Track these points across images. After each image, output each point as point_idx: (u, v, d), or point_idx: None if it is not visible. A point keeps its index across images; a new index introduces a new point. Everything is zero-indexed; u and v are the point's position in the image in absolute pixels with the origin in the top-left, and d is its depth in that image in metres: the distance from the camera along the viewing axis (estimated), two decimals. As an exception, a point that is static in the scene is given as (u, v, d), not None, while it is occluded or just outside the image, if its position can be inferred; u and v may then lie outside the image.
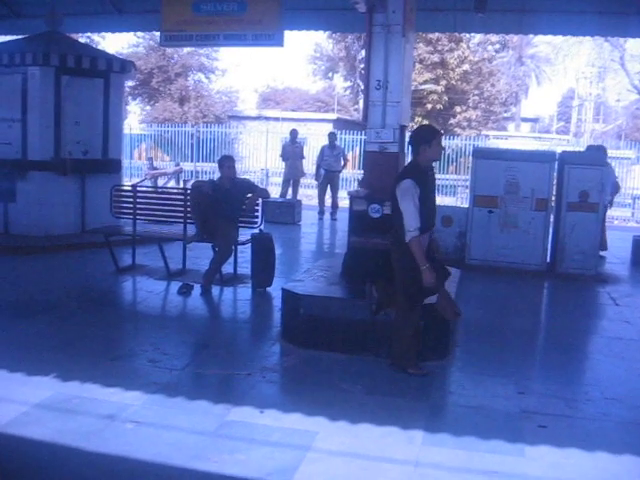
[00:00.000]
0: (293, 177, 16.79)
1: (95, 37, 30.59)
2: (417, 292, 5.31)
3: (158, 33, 11.39)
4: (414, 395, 5.11)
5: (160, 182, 21.44)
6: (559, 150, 11.60)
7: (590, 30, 12.06)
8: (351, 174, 22.84)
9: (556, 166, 10.29)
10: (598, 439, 4.41)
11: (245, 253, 8.71)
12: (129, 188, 9.89)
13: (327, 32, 33.21)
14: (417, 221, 5.14)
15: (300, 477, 3.75)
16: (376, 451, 4.11)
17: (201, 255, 8.92)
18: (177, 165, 23.74)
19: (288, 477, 3.74)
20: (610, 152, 13.60)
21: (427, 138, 5.30)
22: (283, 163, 17.22)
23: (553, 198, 10.40)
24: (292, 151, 16.58)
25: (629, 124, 43.40)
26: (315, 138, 23.71)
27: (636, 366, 6.03)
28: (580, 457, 4.14)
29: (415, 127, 5.91)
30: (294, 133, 16.92)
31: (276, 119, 30.03)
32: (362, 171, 9.47)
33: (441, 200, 20.88)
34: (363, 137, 19.44)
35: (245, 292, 8.14)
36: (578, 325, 7.61)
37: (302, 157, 16.90)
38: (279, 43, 10.21)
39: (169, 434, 4.22)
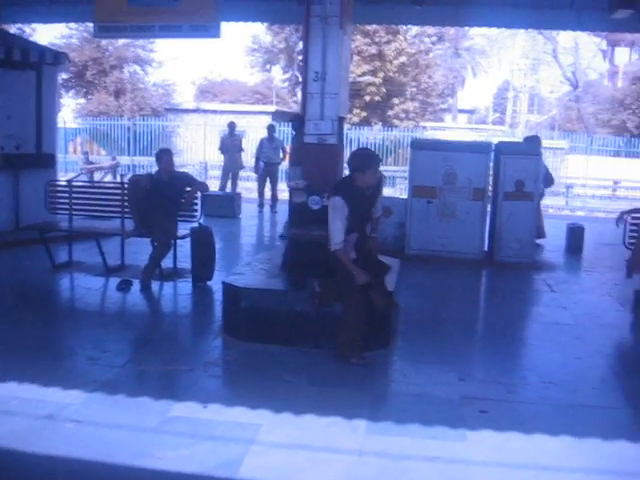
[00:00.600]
0: (232, 170, 16.67)
1: (26, 28, 29.79)
2: (354, 288, 5.40)
3: (92, 24, 11.16)
4: (357, 385, 5.14)
5: (96, 176, 21.05)
6: (495, 141, 11.80)
7: (524, 23, 12.34)
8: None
9: (492, 156, 10.47)
10: (537, 422, 4.52)
11: (184, 247, 8.61)
12: (64, 183, 9.66)
13: (265, 24, 33.02)
14: (341, 236, 5.38)
15: (245, 470, 3.73)
16: (320, 441, 4.12)
17: (140, 250, 8.78)
18: (113, 159, 23.32)
19: (233, 471, 3.72)
20: (544, 142, 13.87)
21: (361, 167, 5.45)
22: (222, 156, 17.09)
23: (490, 188, 10.57)
24: (231, 144, 16.47)
25: (562, 115, 44.39)
26: (254, 130, 23.60)
27: (572, 350, 6.19)
28: (520, 440, 4.23)
29: (354, 151, 5.84)
30: (232, 125, 16.81)
31: (214, 112, 29.78)
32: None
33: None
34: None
35: (185, 286, 8.05)
36: (516, 312, 7.78)
37: (241, 150, 16.80)
38: (216, 34, 10.10)
39: (110, 432, 4.15)
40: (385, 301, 5.68)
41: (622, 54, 43.20)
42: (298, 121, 12.16)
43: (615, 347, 6.69)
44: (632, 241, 7.96)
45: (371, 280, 5.45)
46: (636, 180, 23.50)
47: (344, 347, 5.53)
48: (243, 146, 17.15)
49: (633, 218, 8.14)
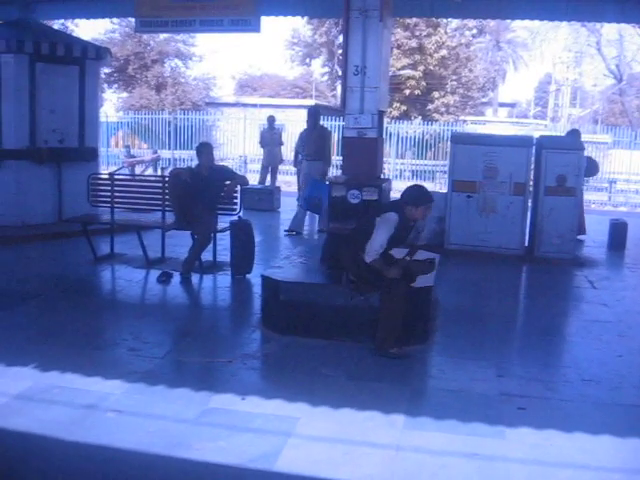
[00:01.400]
0: (272, 164, 16.72)
1: (69, 24, 30.20)
2: (388, 283, 5.48)
3: (133, 19, 11.28)
4: (395, 380, 5.14)
5: (138, 170, 21.27)
6: (536, 135, 11.65)
7: (566, 15, 12.09)
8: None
9: (534, 151, 10.34)
10: (576, 420, 4.47)
11: (224, 240, 8.68)
12: (106, 176, 9.79)
13: (305, 17, 33.02)
14: (382, 248, 5.48)
15: (282, 463, 3.76)
16: (358, 436, 4.13)
17: (180, 243, 8.87)
18: (154, 153, 23.55)
19: (270, 463, 3.75)
20: (587, 137, 13.68)
21: (417, 202, 5.57)
22: (261, 150, 17.14)
23: (531, 182, 10.45)
24: (270, 138, 16.51)
25: (605, 109, 43.70)
26: (293, 124, 23.63)
27: (613, 348, 6.10)
28: (559, 438, 4.19)
29: (412, 185, 5.92)
30: (271, 119, 16.84)
31: (254, 105, 29.91)
32: (341, 157, 9.46)
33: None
34: (342, 123, 19.41)
35: (225, 279, 8.12)
36: (556, 308, 7.68)
37: (280, 143, 16.83)
38: (256, 29, 10.16)
39: (150, 422, 4.21)
40: (427, 266, 5.76)
41: (667, 46, 42.26)
42: (313, 113, 12.12)
43: (658, 345, 6.57)
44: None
45: (403, 272, 5.52)
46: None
47: (383, 339, 5.54)
48: (283, 140, 17.18)
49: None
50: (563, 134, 14.63)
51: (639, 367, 5.69)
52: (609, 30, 35.67)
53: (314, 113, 12.10)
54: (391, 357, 5.49)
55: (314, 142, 11.71)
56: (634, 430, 4.32)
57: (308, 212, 11.62)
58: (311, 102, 31.78)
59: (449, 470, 3.80)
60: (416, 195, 5.63)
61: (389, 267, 5.53)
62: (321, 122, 12.99)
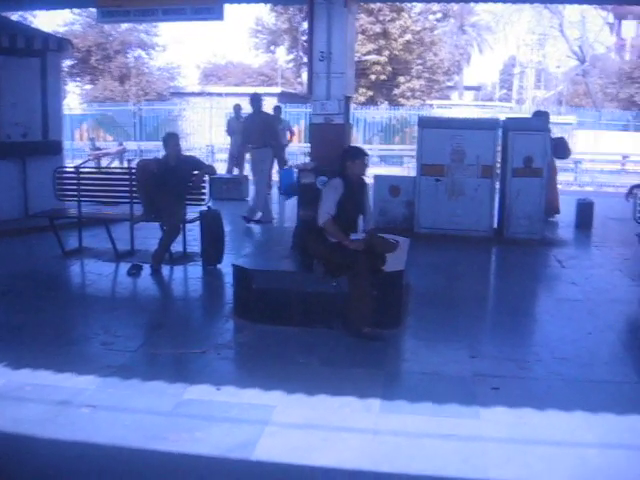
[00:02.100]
0: (239, 152, 16.60)
1: (28, 16, 29.67)
2: (351, 261, 5.58)
3: (95, 10, 11.11)
4: (369, 364, 5.15)
5: (103, 162, 21.07)
6: (502, 117, 11.73)
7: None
8: (297, 148, 22.76)
9: (500, 133, 10.41)
10: (549, 398, 4.53)
11: (194, 231, 8.62)
12: (72, 170, 9.67)
13: (268, 5, 32.81)
14: (332, 209, 5.67)
15: (260, 451, 3.76)
16: (335, 421, 4.14)
17: (149, 235, 8.80)
18: (120, 145, 23.33)
19: (248, 452, 3.74)
20: (552, 118, 13.79)
21: (352, 157, 5.90)
22: (229, 138, 17.04)
23: (498, 165, 10.53)
24: (237, 126, 16.40)
25: (569, 90, 44.08)
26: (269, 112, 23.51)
27: (583, 326, 6.19)
28: (533, 416, 4.24)
29: (345, 147, 6.50)
30: (238, 108, 16.73)
31: (219, 95, 29.70)
32: (308, 144, 9.44)
33: (388, 170, 21.03)
34: (308, 110, 19.36)
35: (196, 270, 8.08)
36: (526, 288, 7.76)
37: None
38: (219, 17, 10.06)
39: (125, 416, 4.18)
40: (390, 245, 5.83)
41: (629, 27, 42.76)
42: (255, 100, 11.93)
43: (626, 322, 6.68)
44: (642, 215, 7.92)
45: (364, 246, 5.64)
46: (645, 154, 23.37)
47: (354, 320, 5.58)
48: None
49: (643, 192, 8.09)
50: (528, 115, 14.74)
51: (608, 344, 5.77)
52: (571, 12, 36.09)
53: (256, 100, 11.82)
54: (364, 337, 5.53)
55: (258, 129, 11.39)
56: (606, 405, 4.39)
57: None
58: (277, 90, 31.68)
59: (426, 452, 3.82)
60: (351, 151, 6.05)
61: (350, 239, 5.65)
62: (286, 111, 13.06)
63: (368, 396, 4.47)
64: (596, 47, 41.74)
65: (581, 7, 32.22)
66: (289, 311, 5.91)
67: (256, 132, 11.33)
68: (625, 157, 23.83)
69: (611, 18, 41.65)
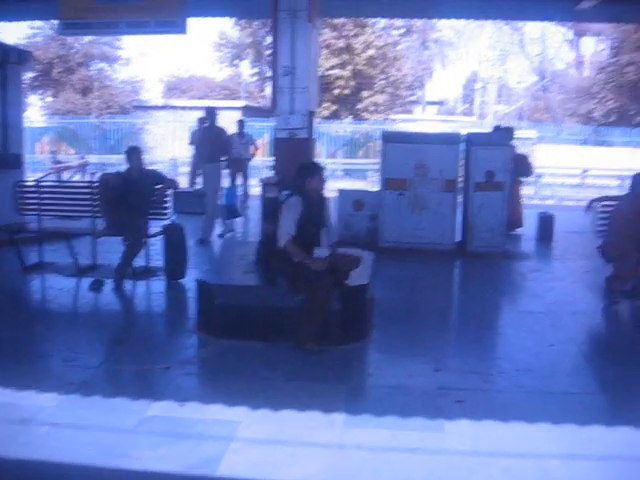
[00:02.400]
0: (202, 165, 16.44)
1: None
2: (315, 278, 5.56)
3: (56, 22, 10.99)
4: (334, 379, 5.15)
5: (65, 176, 20.81)
6: (465, 132, 11.85)
7: (491, 14, 12.38)
8: (261, 161, 22.75)
9: (463, 147, 10.52)
10: (513, 410, 4.57)
11: (157, 245, 8.55)
12: (33, 183, 9.53)
13: (232, 19, 32.85)
14: (292, 230, 5.64)
15: (225, 468, 3.73)
16: (299, 436, 4.13)
17: (111, 249, 8.69)
18: (82, 158, 23.05)
19: (212, 469, 3.71)
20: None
21: (310, 173, 5.84)
22: (192, 152, 16.91)
23: (461, 179, 10.63)
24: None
25: (530, 105, 44.71)
26: (223, 126, 23.45)
27: (545, 338, 6.25)
28: (497, 428, 4.28)
29: (301, 163, 6.25)
30: (202, 120, 16.61)
31: (183, 108, 29.58)
32: (272, 158, 9.44)
33: (352, 184, 21.11)
34: (272, 124, 19.38)
35: (159, 285, 8.00)
36: (489, 301, 7.83)
37: None
38: (182, 30, 10.00)
39: (87, 434, 4.11)
40: (353, 261, 5.83)
41: (588, 44, 43.60)
42: (210, 114, 11.75)
43: (587, 334, 6.77)
44: (602, 228, 8.04)
45: (328, 266, 5.63)
46: (604, 168, 23.78)
47: (302, 334, 5.59)
48: None
49: (602, 206, 8.22)
50: (490, 130, 14.91)
51: (570, 356, 5.84)
52: (532, 28, 36.68)
53: (210, 114, 11.65)
54: (309, 352, 5.54)
55: (211, 144, 11.26)
56: (568, 417, 4.44)
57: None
58: (241, 103, 31.66)
59: (391, 466, 3.83)
60: (308, 168, 5.95)
61: (312, 259, 5.65)
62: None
63: (333, 411, 4.46)
64: (556, 63, 42.52)
65: (541, 24, 32.78)
66: (253, 326, 5.88)
67: (208, 147, 11.19)
68: (584, 171, 24.22)
69: (570, 35, 42.42)
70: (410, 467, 3.82)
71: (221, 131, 11.75)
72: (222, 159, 11.30)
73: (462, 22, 32.42)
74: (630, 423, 4.39)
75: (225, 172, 11.48)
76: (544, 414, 4.47)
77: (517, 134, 13.53)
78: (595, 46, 42.12)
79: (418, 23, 39.20)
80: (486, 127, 24.74)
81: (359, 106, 35.53)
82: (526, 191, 20.44)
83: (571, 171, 23.97)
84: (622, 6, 10.44)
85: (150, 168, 9.46)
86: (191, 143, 16.62)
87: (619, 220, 7.55)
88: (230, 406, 4.50)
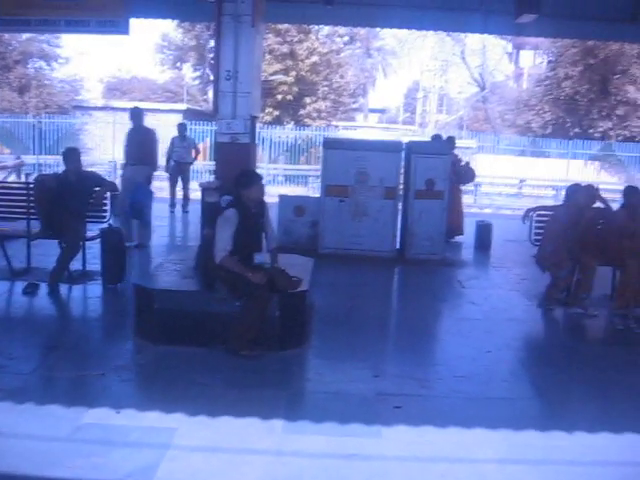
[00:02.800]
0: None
1: None
2: (253, 288, 5.54)
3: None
4: (273, 385, 5.14)
5: (-1, 176, 20.28)
6: (406, 140, 11.98)
7: (433, 25, 12.57)
8: (202, 165, 22.58)
9: (403, 155, 10.63)
10: (450, 415, 4.63)
11: (94, 249, 8.39)
12: (-35, 183, 9.26)
13: (175, 21, 32.56)
14: (228, 245, 5.60)
15: (161, 476, 3.67)
16: (237, 443, 4.10)
17: (47, 252, 8.49)
18: (18, 158, 22.50)
19: (149, 477, 3.65)
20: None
21: (246, 184, 5.78)
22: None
23: (401, 186, 10.73)
24: None
25: (470, 115, 45.53)
26: (164, 129, 23.21)
27: (482, 344, 6.35)
28: (434, 434, 4.32)
29: (239, 171, 6.12)
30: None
31: (123, 109, 29.12)
32: (214, 162, 9.37)
33: (293, 190, 21.12)
34: (214, 128, 19.25)
35: (95, 289, 7.85)
36: (427, 308, 7.92)
37: None
38: (124, 31, 9.87)
39: (19, 443, 4.00)
40: (292, 283, 5.80)
41: (527, 57, 44.74)
42: (136, 115, 11.31)
43: (522, 340, 6.91)
44: (538, 237, 8.23)
45: (268, 278, 5.62)
46: (540, 178, 24.37)
47: (236, 341, 5.57)
48: None
49: (538, 215, 8.41)
50: (429, 139, 15.12)
51: (506, 362, 5.95)
52: (473, 40, 37.33)
53: (137, 115, 11.14)
54: (244, 358, 5.52)
55: (138, 145, 10.73)
56: (503, 422, 4.53)
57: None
58: (183, 106, 31.39)
59: (329, 472, 3.83)
60: (245, 178, 5.85)
61: (251, 272, 5.59)
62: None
63: (271, 417, 4.45)
64: (496, 75, 43.46)
65: (482, 36, 33.40)
66: (191, 332, 5.82)
67: (134, 148, 10.76)
68: (522, 181, 24.82)
69: (510, 48, 43.46)
70: (348, 473, 3.83)
71: (148, 132, 11.24)
72: (149, 162, 10.75)
73: (405, 32, 32.85)
74: (564, 428, 4.50)
75: (157, 175, 10.98)
76: (480, 419, 4.55)
77: (457, 143, 13.76)
78: (534, 59, 43.24)
79: (361, 31, 39.60)
80: (427, 136, 25.10)
81: (302, 112, 35.59)
82: (465, 200, 20.87)
83: (509, 181, 24.52)
84: (560, 22, 10.73)
85: (89, 170, 9.29)
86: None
87: (554, 229, 7.73)
88: (167, 413, 4.44)
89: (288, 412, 4.59)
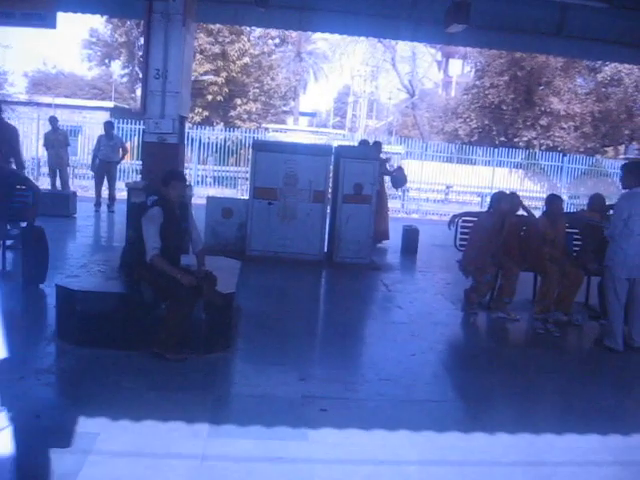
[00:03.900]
0: (58, 166, 15.76)
1: None
2: (179, 290, 5.49)
3: None
4: (198, 388, 5.09)
5: None
6: (335, 144, 12.06)
7: (365, 31, 12.68)
8: (129, 165, 22.20)
9: (332, 159, 10.69)
10: (375, 418, 4.68)
11: (15, 248, 8.16)
12: None
13: (105, 16, 31.91)
14: (157, 242, 5.57)
15: (81, 482, 3.59)
16: (161, 448, 4.05)
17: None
18: None
19: (68, 483, 3.57)
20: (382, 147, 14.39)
21: (166, 181, 5.78)
22: (46, 152, 16.26)
23: (330, 190, 10.79)
24: (54, 139, 15.63)
25: (399, 121, 46.20)
26: (91, 127, 22.79)
27: (407, 348, 6.45)
28: (360, 436, 4.36)
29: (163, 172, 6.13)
30: (53, 120, 15.84)
31: (49, 105, 28.43)
32: (141, 162, 9.23)
33: (221, 192, 20.99)
34: (142, 127, 18.97)
35: (15, 290, 7.62)
36: (354, 311, 7.98)
37: (67, 144, 15.89)
38: (51, 25, 9.60)
39: None
40: (220, 297, 5.75)
41: (455, 65, 45.73)
42: None
43: (446, 343, 7.04)
44: (463, 243, 8.39)
45: (197, 282, 5.58)
46: (466, 185, 24.86)
47: (162, 343, 5.52)
48: (69, 141, 16.23)
49: (464, 221, 8.58)
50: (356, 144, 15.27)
51: (430, 364, 6.06)
52: (403, 47, 37.85)
53: None
54: (169, 361, 5.47)
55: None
56: (427, 424, 4.61)
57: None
58: (110, 104, 30.85)
59: (254, 476, 3.82)
60: (167, 176, 5.84)
61: (182, 273, 5.56)
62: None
63: (196, 421, 4.41)
64: (425, 82, 44.14)
65: (412, 44, 33.93)
66: (116, 334, 5.71)
67: None
68: (448, 187, 25.26)
69: (439, 56, 44.26)
70: (273, 477, 3.83)
71: (8, 127, 10.88)
72: (11, 160, 10.27)
73: (337, 36, 32.99)
74: (486, 429, 4.60)
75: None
76: (405, 421, 4.61)
77: (385, 148, 13.94)
78: (462, 68, 44.17)
79: (293, 34, 39.65)
80: (357, 140, 25.32)
81: (232, 113, 35.40)
82: (392, 205, 21.14)
83: (436, 187, 24.91)
84: (488, 33, 10.98)
85: (10, 167, 9.03)
86: (45, 145, 16.02)
87: (478, 235, 7.90)
88: (89, 417, 4.34)
89: (213, 416, 4.55)
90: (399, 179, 12.86)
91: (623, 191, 7.11)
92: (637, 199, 6.74)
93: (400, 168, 13.41)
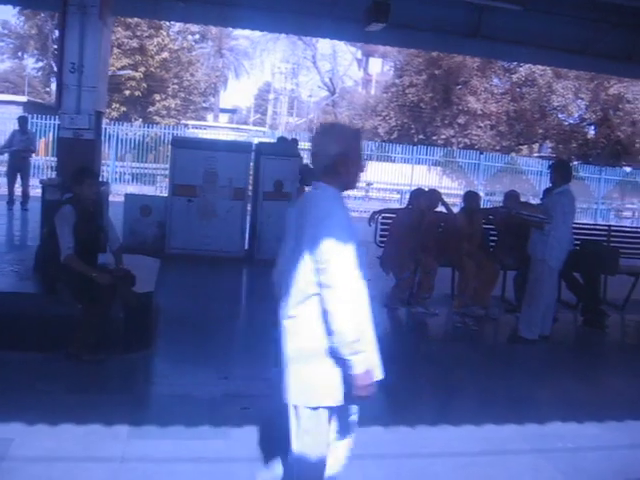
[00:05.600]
0: None
1: None
2: (95, 290, 5.41)
3: None
4: (117, 389, 5.01)
5: None
6: (255, 141, 12.03)
7: (285, 28, 12.68)
8: (44, 162, 21.57)
9: (253, 157, 10.66)
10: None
11: None
12: None
13: (17, 8, 30.90)
14: (71, 242, 5.42)
15: (-6, 489, 3.48)
16: (79, 451, 3.96)
17: None
18: None
19: (-21, 491, 3.45)
20: (304, 145, 14.44)
21: (78, 180, 5.65)
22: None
23: (250, 187, 10.76)
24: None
25: (320, 118, 46.36)
26: (2, 122, 21.99)
27: (328, 345, 6.47)
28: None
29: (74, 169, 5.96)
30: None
31: (-44, 99, 27.38)
32: (56, 158, 9.00)
33: (140, 189, 20.65)
34: (57, 122, 18.47)
35: None
36: (274, 309, 7.95)
37: None
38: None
39: None
40: (134, 297, 5.69)
41: (375, 64, 46.24)
42: None
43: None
44: (383, 239, 8.50)
45: (114, 281, 5.50)
46: (386, 182, 25.18)
47: (78, 344, 5.41)
48: None
49: (383, 218, 8.69)
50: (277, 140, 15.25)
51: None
52: (324, 45, 38.13)
53: None
54: (84, 362, 5.37)
55: None
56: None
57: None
58: (23, 98, 29.92)
59: (176, 477, 3.79)
60: (77, 174, 5.71)
61: (97, 272, 5.47)
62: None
63: (116, 423, 4.33)
64: (345, 80, 44.53)
65: (333, 41, 34.20)
66: (30, 336, 5.53)
67: None
68: (369, 184, 25.51)
69: (360, 54, 44.68)
70: (194, 476, 3.80)
71: None
72: None
73: (258, 33, 32.95)
74: (406, 422, 4.68)
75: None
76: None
77: (304, 146, 13.96)
78: (382, 67, 44.71)
79: (214, 30, 39.33)
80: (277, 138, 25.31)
81: (151, 109, 34.87)
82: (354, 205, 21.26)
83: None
84: (406, 32, 11.12)
85: None
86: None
87: (397, 232, 8.02)
88: (2, 423, 4.20)
89: (133, 417, 4.48)
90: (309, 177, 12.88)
91: (544, 188, 7.32)
92: (569, 195, 7.01)
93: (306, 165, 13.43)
